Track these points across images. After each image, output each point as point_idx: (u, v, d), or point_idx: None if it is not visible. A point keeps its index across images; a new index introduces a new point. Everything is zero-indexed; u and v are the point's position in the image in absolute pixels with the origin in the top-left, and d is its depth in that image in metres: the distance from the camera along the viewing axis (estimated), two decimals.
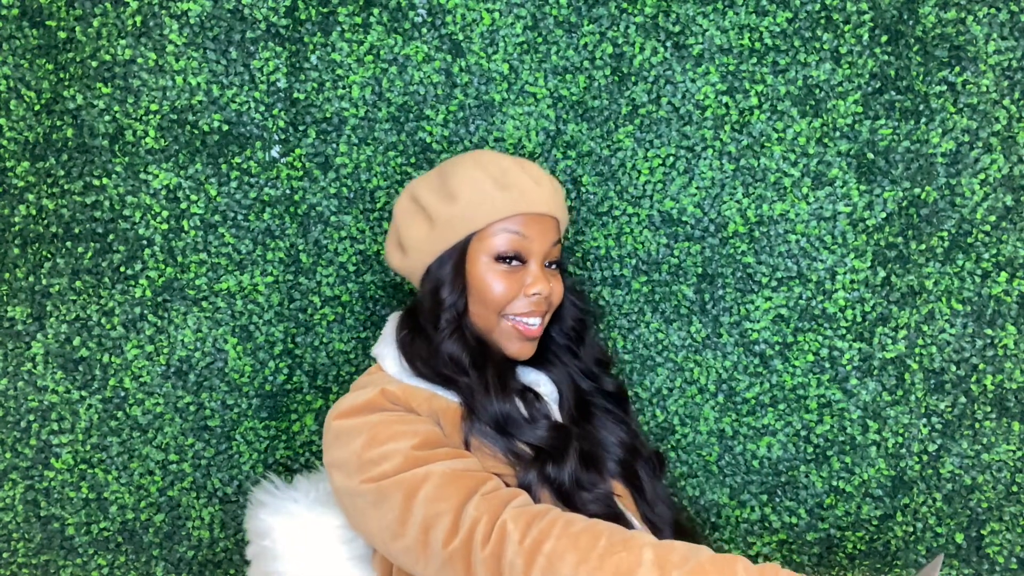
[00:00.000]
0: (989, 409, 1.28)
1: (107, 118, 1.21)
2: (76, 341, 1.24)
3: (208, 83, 1.22)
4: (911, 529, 1.30)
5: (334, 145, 1.24)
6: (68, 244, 1.23)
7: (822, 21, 1.24)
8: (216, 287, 1.25)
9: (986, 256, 1.26)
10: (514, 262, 0.97)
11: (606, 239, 1.28)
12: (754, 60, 1.24)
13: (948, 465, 1.29)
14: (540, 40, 1.24)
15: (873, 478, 1.29)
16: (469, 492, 0.84)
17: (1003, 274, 1.26)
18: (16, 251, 1.23)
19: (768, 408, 1.29)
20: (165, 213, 1.23)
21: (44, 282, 1.23)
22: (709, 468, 1.31)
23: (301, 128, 1.24)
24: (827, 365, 1.28)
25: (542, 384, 1.04)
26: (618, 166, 1.26)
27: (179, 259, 1.24)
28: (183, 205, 1.23)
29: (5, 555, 1.28)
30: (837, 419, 1.29)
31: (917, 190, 1.26)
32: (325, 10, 1.22)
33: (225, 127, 1.23)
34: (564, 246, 1.28)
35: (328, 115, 1.24)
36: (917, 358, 1.28)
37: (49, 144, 1.22)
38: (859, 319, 1.27)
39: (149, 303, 1.24)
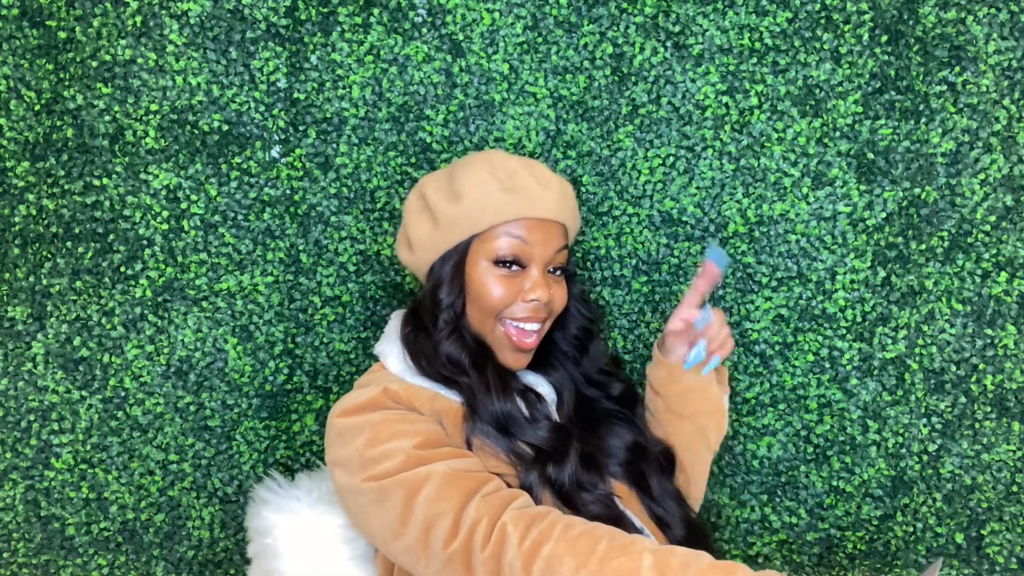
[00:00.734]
0: (989, 409, 1.28)
1: (107, 118, 1.21)
2: (76, 341, 1.24)
3: (208, 83, 1.22)
4: (911, 529, 1.31)
5: (334, 145, 1.24)
6: (68, 244, 1.23)
7: (822, 21, 1.24)
8: (216, 287, 1.25)
9: (986, 256, 1.26)
10: (514, 267, 0.97)
11: (606, 239, 1.28)
12: (754, 60, 1.24)
13: (948, 465, 1.29)
14: (540, 40, 1.24)
15: (873, 478, 1.29)
16: (470, 493, 0.84)
17: (1003, 274, 1.26)
18: (16, 251, 1.23)
19: (768, 408, 1.29)
20: (165, 213, 1.23)
21: (44, 282, 1.23)
22: (709, 468, 1.31)
23: (301, 128, 1.24)
24: (827, 365, 1.28)
25: (540, 386, 1.03)
26: (618, 166, 1.26)
27: (179, 259, 1.24)
28: (183, 205, 1.23)
29: (5, 555, 1.28)
30: (837, 419, 1.29)
31: (917, 190, 1.26)
32: (325, 10, 1.22)
33: (225, 127, 1.23)
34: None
35: (328, 115, 1.24)
36: (917, 358, 1.28)
37: (49, 144, 1.22)
38: (859, 319, 1.27)
39: (149, 303, 1.24)
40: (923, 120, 1.25)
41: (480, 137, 1.25)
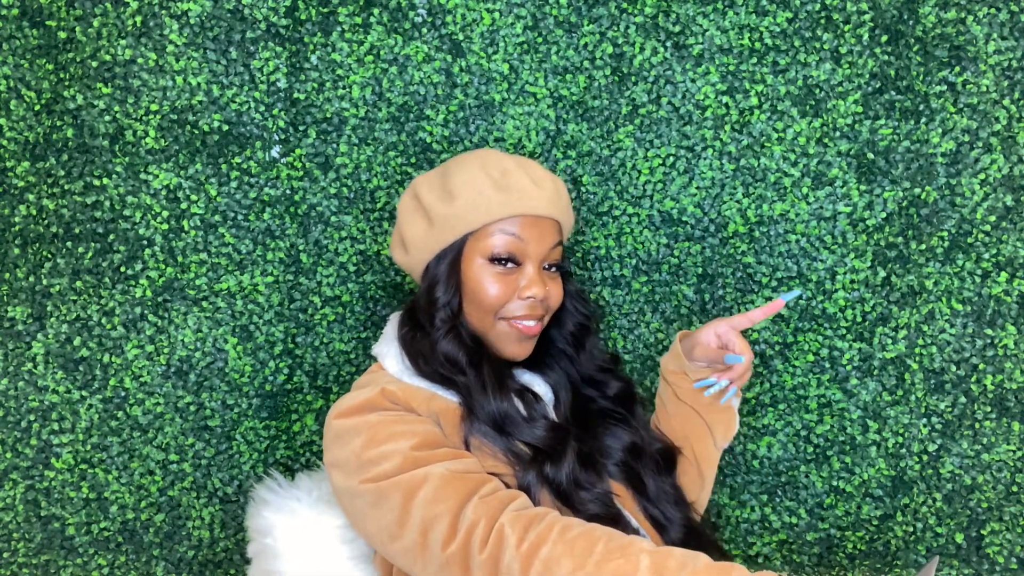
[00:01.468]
0: (989, 409, 1.28)
1: (107, 118, 1.21)
2: (76, 341, 1.24)
3: (208, 83, 1.22)
4: (911, 529, 1.31)
5: (334, 145, 1.24)
6: (68, 244, 1.23)
7: (822, 21, 1.24)
8: (216, 287, 1.25)
9: (986, 256, 1.26)
10: (509, 264, 0.97)
11: (606, 239, 1.28)
12: (754, 60, 1.24)
13: (948, 465, 1.29)
14: (540, 40, 1.24)
15: (873, 478, 1.29)
16: (467, 494, 0.84)
17: (1003, 274, 1.26)
18: (16, 251, 1.23)
19: (768, 408, 1.29)
20: (165, 213, 1.23)
21: (44, 282, 1.23)
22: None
23: (301, 128, 1.24)
24: (827, 365, 1.28)
25: (537, 386, 1.03)
26: (618, 166, 1.26)
27: (179, 259, 1.24)
28: (183, 205, 1.23)
29: (5, 555, 1.28)
30: (837, 419, 1.29)
31: (917, 190, 1.26)
32: (325, 10, 1.22)
33: (225, 127, 1.23)
34: (564, 246, 1.28)
35: (328, 115, 1.24)
36: (917, 358, 1.28)
37: (49, 144, 1.22)
38: (859, 319, 1.27)
39: (149, 303, 1.24)
40: (923, 120, 1.25)
41: (480, 137, 1.25)
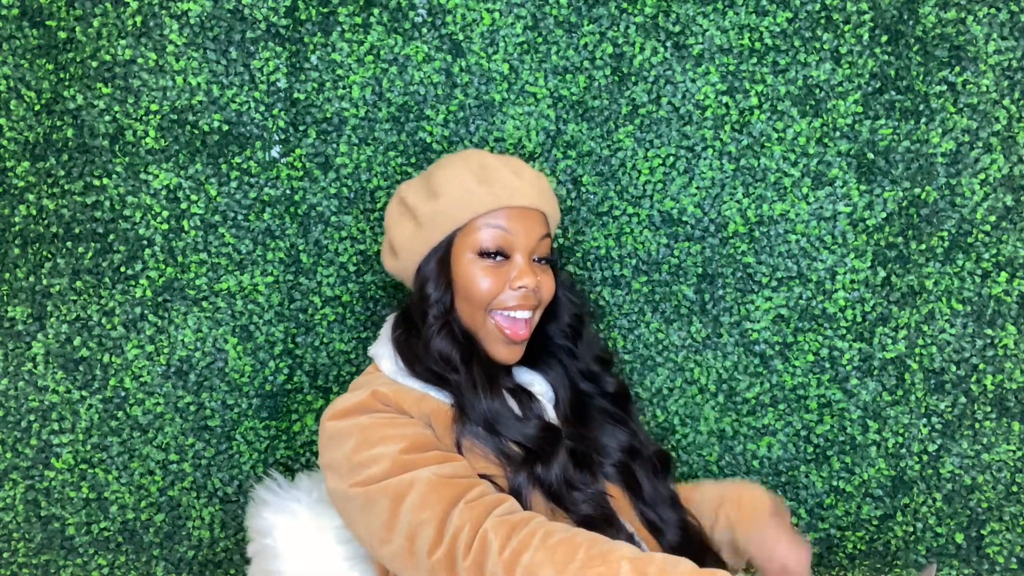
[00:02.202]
0: (989, 409, 1.28)
1: (107, 118, 1.21)
2: (76, 341, 1.24)
3: (208, 83, 1.22)
4: (911, 529, 1.30)
5: (334, 145, 1.24)
6: (68, 244, 1.23)
7: (822, 21, 1.24)
8: (216, 287, 1.25)
9: (986, 256, 1.26)
10: (498, 257, 0.97)
11: (606, 239, 1.28)
12: (754, 60, 1.24)
13: (948, 465, 1.29)
14: (540, 40, 1.24)
15: (873, 478, 1.29)
16: (454, 499, 0.84)
17: (1003, 274, 1.26)
18: (16, 251, 1.23)
19: (768, 408, 1.29)
20: (165, 213, 1.23)
21: (44, 282, 1.23)
22: (709, 468, 1.31)
23: (301, 128, 1.24)
24: (827, 365, 1.28)
25: (536, 384, 1.03)
26: (618, 166, 1.26)
27: (179, 259, 1.24)
28: (183, 205, 1.23)
29: (5, 555, 1.28)
30: (837, 419, 1.29)
31: (917, 190, 1.26)
32: (325, 10, 1.22)
33: (225, 127, 1.23)
34: (564, 246, 1.28)
35: (328, 115, 1.24)
36: (917, 358, 1.28)
37: (49, 144, 1.22)
38: (859, 319, 1.27)
39: (149, 303, 1.24)
40: (923, 120, 1.25)
41: (480, 137, 1.25)
